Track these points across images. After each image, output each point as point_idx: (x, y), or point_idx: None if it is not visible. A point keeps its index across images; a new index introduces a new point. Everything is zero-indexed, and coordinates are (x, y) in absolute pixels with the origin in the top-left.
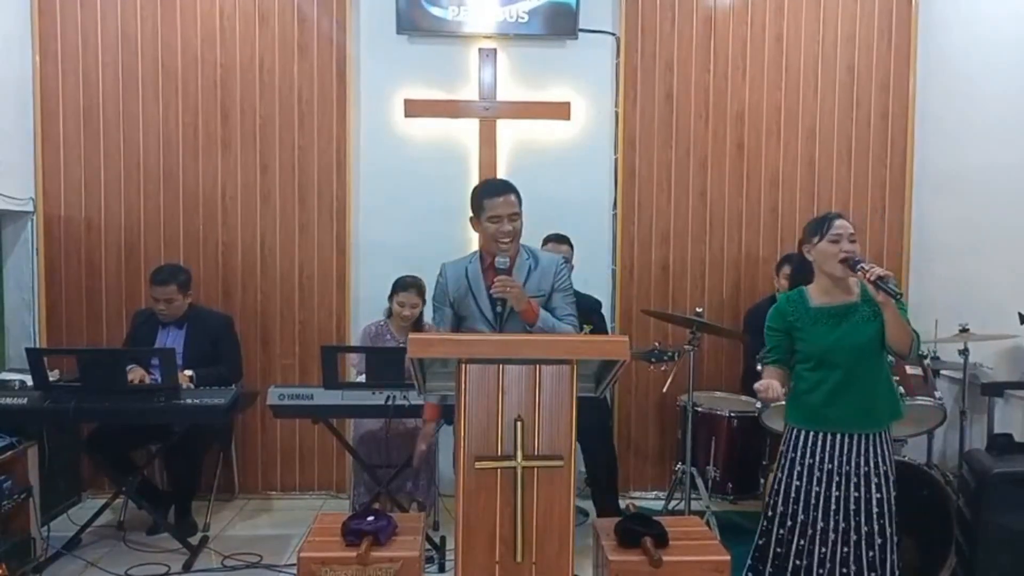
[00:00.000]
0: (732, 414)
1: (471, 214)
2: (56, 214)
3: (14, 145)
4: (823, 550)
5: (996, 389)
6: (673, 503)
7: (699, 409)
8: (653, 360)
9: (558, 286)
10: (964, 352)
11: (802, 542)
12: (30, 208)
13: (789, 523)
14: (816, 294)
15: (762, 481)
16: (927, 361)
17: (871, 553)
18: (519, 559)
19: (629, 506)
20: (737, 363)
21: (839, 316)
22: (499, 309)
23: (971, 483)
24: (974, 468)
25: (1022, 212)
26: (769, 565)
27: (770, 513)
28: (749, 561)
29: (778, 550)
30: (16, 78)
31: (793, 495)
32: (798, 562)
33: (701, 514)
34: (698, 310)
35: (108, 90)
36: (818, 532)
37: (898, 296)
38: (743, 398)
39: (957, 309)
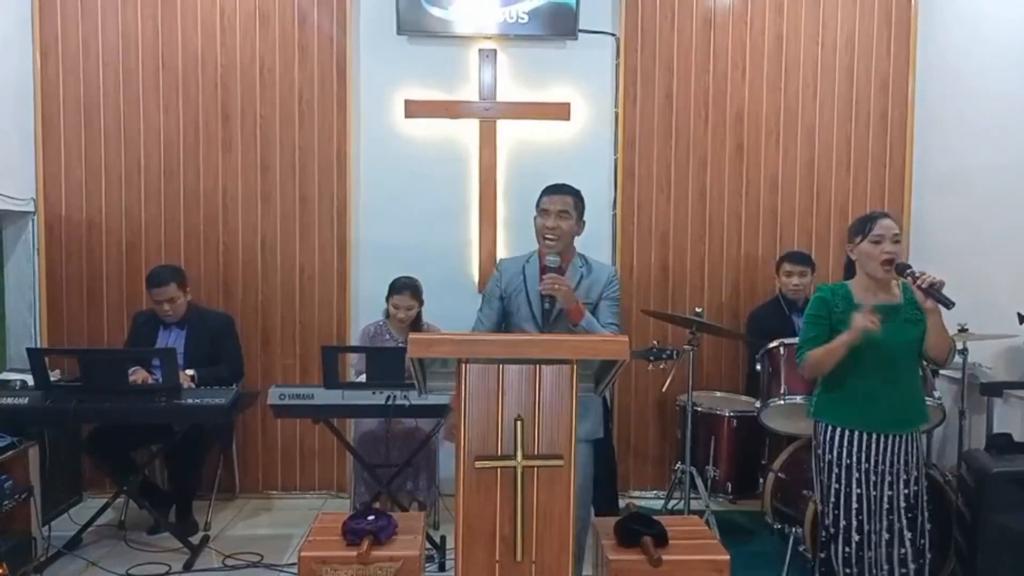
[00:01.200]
0: (732, 414)
1: (535, 214)
2: (57, 214)
3: (15, 145)
4: (869, 553)
5: (995, 389)
6: (673, 503)
7: (699, 409)
8: (652, 358)
9: (607, 295)
10: (963, 352)
11: (847, 549)
12: (31, 208)
13: (833, 530)
14: (859, 291)
15: (761, 481)
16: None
17: (903, 550)
18: (519, 558)
19: (629, 505)
20: (737, 363)
21: (883, 315)
22: (547, 306)
23: (970, 483)
24: (973, 468)
25: (1021, 212)
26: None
27: (826, 522)
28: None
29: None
30: (17, 78)
31: (833, 499)
32: (848, 571)
33: (701, 514)
34: (697, 310)
35: (109, 90)
36: (864, 535)
37: (950, 305)
38: (743, 398)
39: (956, 309)
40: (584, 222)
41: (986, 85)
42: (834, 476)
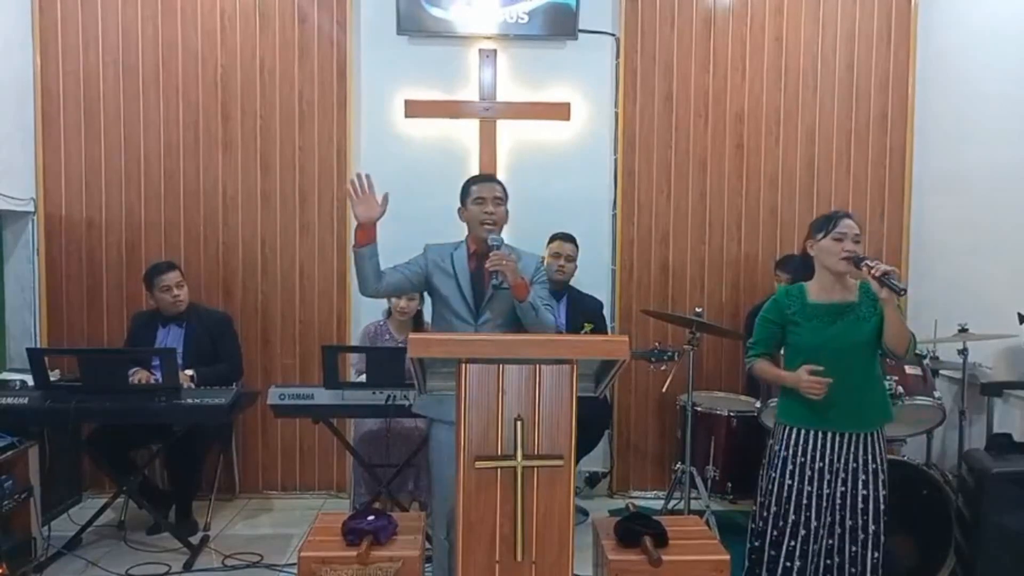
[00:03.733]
0: (731, 414)
1: (459, 206)
2: (57, 214)
3: (15, 145)
4: (814, 546)
5: (995, 389)
6: (673, 502)
7: (699, 409)
8: (653, 359)
9: (537, 279)
10: (963, 352)
11: (792, 543)
12: (31, 208)
13: (781, 523)
14: (815, 291)
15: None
16: (926, 361)
17: (853, 548)
18: (519, 558)
19: (629, 505)
20: (737, 363)
21: (836, 314)
22: (494, 282)
23: (970, 483)
24: (973, 468)
25: (1021, 212)
26: (764, 570)
27: (765, 514)
28: (746, 563)
29: (772, 553)
30: (17, 78)
31: (786, 494)
32: (788, 564)
33: (700, 513)
34: (698, 310)
35: (109, 90)
36: (811, 531)
37: (902, 292)
38: (743, 398)
39: (956, 309)
40: (507, 211)
41: (986, 85)
42: (787, 473)
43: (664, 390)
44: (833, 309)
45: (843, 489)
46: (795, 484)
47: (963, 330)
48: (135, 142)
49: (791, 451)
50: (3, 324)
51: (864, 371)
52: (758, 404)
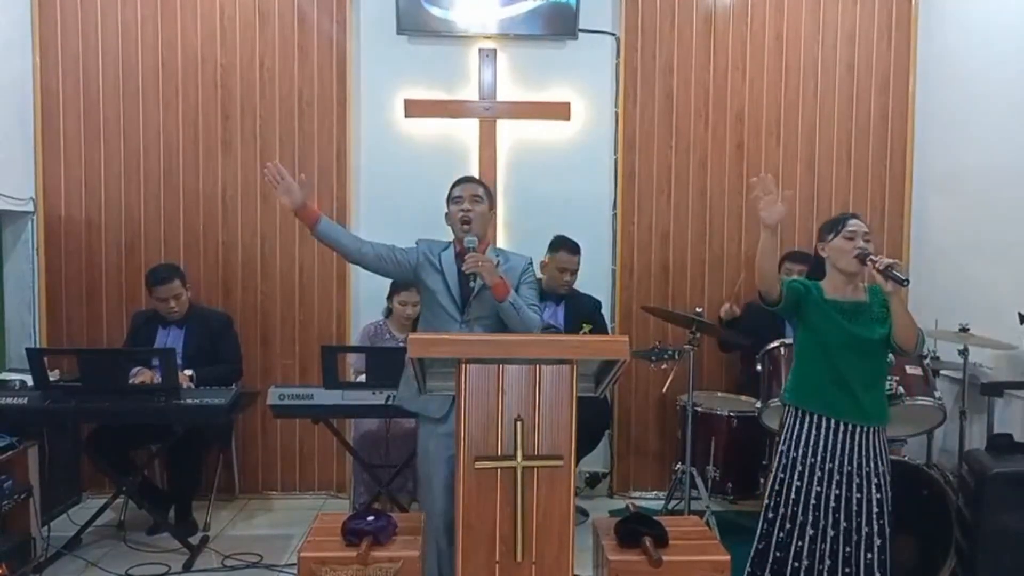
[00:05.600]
0: (732, 414)
1: (446, 211)
2: (56, 214)
3: (14, 145)
4: (823, 547)
5: (996, 389)
6: (673, 503)
7: (699, 409)
8: (653, 359)
9: (525, 280)
10: (964, 352)
11: (800, 543)
12: (30, 208)
13: (788, 525)
14: (829, 290)
15: (762, 481)
16: (927, 361)
17: (869, 555)
18: (519, 559)
19: (629, 506)
20: (737, 364)
21: (849, 312)
22: (473, 284)
23: (971, 483)
24: (974, 468)
25: (1022, 212)
26: (768, 571)
27: (770, 515)
28: (748, 568)
29: (778, 554)
30: (16, 78)
31: (794, 496)
32: (796, 564)
33: (701, 514)
34: (698, 310)
35: (108, 90)
36: (819, 532)
37: (905, 283)
38: (743, 398)
39: (957, 309)
40: (494, 212)
41: (987, 85)
42: (796, 474)
43: (664, 390)
44: (849, 307)
45: (859, 495)
46: (803, 485)
47: (964, 330)
48: (135, 142)
49: (800, 451)
50: (2, 324)
51: (873, 371)
52: (758, 404)
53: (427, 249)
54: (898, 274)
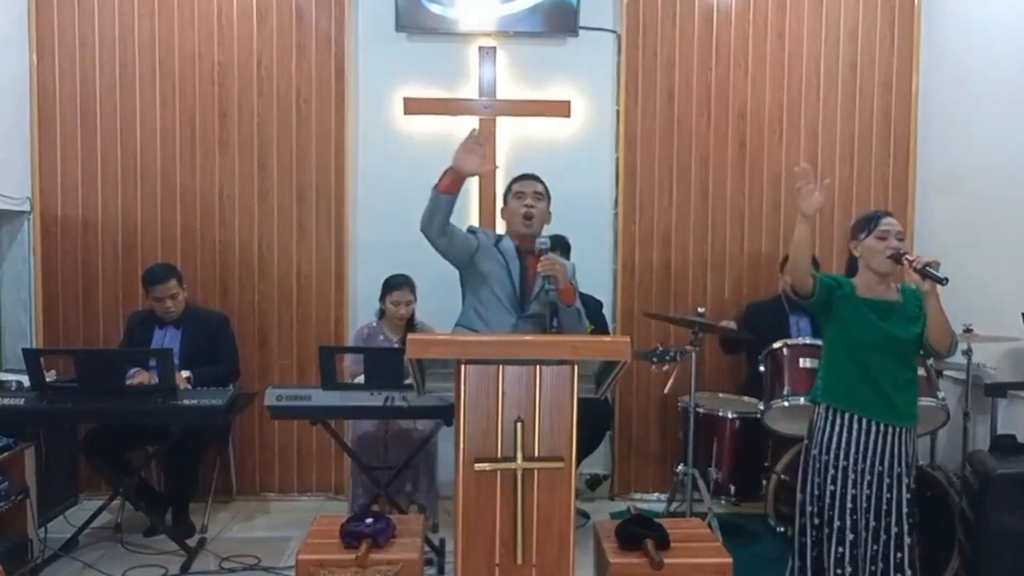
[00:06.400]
0: (734, 415)
1: (502, 205)
2: (53, 213)
3: (11, 144)
4: (860, 551)
5: (999, 390)
6: (675, 505)
7: (701, 410)
8: (655, 360)
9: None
10: (967, 352)
11: (840, 549)
12: (27, 208)
13: (827, 530)
14: (860, 288)
15: (764, 483)
16: (930, 361)
17: (899, 554)
18: (519, 561)
19: (630, 508)
20: (739, 364)
21: (882, 311)
22: (548, 287)
23: (974, 484)
24: (977, 469)
25: (1023, 212)
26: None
27: (816, 521)
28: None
29: (815, 552)
30: (13, 78)
31: (829, 500)
32: (839, 571)
33: (703, 516)
34: (700, 310)
35: (105, 89)
36: (857, 535)
37: (944, 282)
38: (745, 399)
39: (960, 309)
40: (550, 212)
41: (990, 84)
42: (829, 477)
43: (666, 391)
44: (882, 305)
45: (889, 495)
46: (838, 489)
47: (967, 330)
48: (132, 141)
49: (832, 454)
50: None
51: (905, 370)
52: (761, 406)
53: (486, 237)
54: (936, 273)
